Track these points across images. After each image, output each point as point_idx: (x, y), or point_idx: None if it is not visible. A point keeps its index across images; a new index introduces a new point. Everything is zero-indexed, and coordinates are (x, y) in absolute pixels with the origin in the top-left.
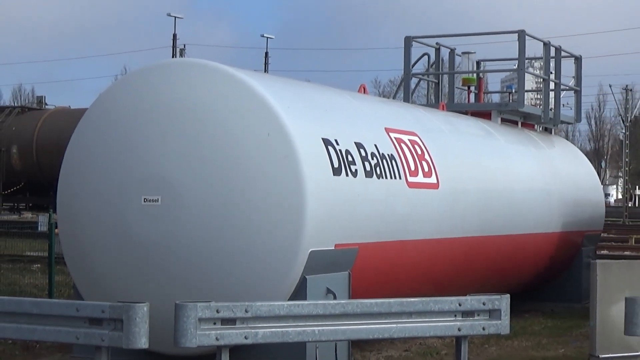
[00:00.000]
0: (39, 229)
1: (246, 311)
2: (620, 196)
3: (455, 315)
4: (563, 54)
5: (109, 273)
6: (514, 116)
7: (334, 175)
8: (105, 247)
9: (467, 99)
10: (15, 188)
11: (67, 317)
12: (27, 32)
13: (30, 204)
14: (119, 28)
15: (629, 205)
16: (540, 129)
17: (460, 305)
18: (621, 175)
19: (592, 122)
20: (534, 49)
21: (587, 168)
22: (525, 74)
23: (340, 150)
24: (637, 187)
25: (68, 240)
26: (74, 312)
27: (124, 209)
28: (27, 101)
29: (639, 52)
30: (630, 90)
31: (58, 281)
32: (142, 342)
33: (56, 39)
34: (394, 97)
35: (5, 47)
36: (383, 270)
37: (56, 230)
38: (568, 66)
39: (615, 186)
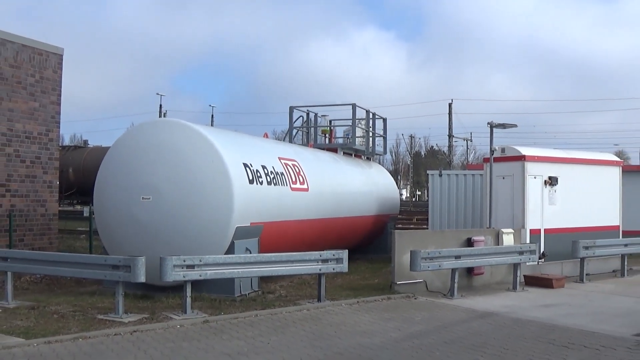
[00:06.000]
0: (84, 214)
1: (200, 261)
2: (408, 194)
3: (318, 262)
4: (377, 116)
5: (123, 240)
6: (350, 151)
7: (249, 184)
8: (121, 225)
9: (324, 141)
10: (70, 192)
11: (100, 265)
12: (78, 103)
13: (80, 201)
14: (129, 100)
15: (413, 200)
16: (365, 158)
17: (320, 256)
18: (409, 183)
19: (393, 154)
20: (361, 112)
21: (390, 179)
22: (356, 127)
23: (253, 170)
24: (417, 190)
25: (100, 221)
26: (103, 262)
27: (131, 203)
28: (78, 142)
29: (419, 117)
30: (413, 137)
31: (95, 245)
32: (142, 278)
33: (95, 107)
34: (284, 140)
35: (69, 113)
36: (277, 237)
37: (93, 215)
38: (380, 123)
39: (405, 189)
